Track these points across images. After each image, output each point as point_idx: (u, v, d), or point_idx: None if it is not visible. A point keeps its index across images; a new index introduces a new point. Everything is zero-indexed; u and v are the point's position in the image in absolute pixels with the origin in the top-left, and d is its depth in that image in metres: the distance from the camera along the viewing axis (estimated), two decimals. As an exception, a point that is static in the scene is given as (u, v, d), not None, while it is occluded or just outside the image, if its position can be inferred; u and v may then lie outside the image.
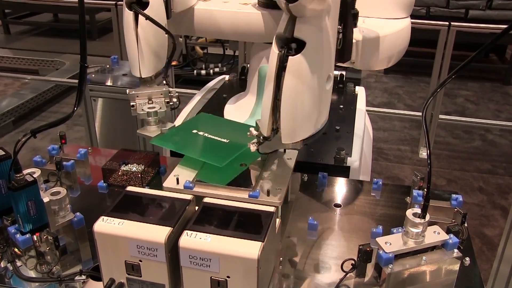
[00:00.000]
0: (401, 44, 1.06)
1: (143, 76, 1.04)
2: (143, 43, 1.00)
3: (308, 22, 0.73)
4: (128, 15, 1.00)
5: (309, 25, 0.73)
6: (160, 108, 1.02)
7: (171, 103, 1.07)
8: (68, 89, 3.58)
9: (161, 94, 1.06)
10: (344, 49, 0.84)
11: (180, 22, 1.15)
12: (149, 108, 1.02)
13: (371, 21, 1.05)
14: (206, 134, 0.95)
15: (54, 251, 0.78)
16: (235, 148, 0.91)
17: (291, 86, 0.77)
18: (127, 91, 1.05)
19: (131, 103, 1.04)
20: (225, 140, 0.94)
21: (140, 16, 0.97)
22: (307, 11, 0.71)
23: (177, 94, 1.08)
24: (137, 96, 1.04)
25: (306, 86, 0.77)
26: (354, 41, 0.88)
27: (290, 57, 0.74)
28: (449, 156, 2.81)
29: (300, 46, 0.74)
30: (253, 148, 0.85)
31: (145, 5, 0.98)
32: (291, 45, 0.74)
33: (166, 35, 1.03)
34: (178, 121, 1.35)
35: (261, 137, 0.84)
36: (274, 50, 0.76)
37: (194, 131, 0.97)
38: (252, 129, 0.87)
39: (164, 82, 1.07)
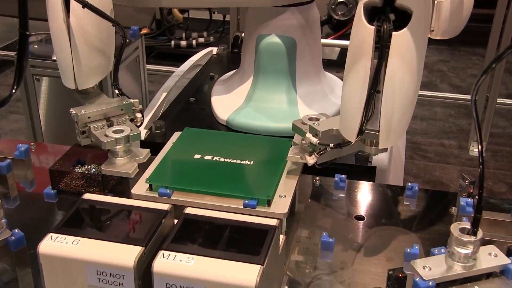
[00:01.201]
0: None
1: (81, 88, 0.96)
2: (79, 40, 0.91)
3: None
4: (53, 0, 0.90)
5: None
6: (131, 130, 0.93)
7: (134, 121, 0.99)
8: None
9: (122, 109, 0.97)
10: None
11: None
12: (115, 132, 0.92)
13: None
14: (217, 158, 0.94)
15: (-18, 282, 0.78)
16: (269, 170, 0.92)
17: (397, 71, 0.77)
18: (71, 110, 0.95)
19: (81, 129, 0.95)
20: (247, 162, 0.93)
21: (73, 1, 0.88)
22: None
23: (140, 107, 1.00)
24: (89, 117, 0.95)
25: (411, 69, 0.77)
26: (435, 2, 0.89)
27: (394, 33, 0.74)
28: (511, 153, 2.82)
29: (399, 17, 0.74)
30: (311, 161, 0.88)
31: None
32: (390, 16, 0.74)
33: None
34: (149, 112, 1.35)
35: (331, 145, 0.86)
36: (364, 24, 0.76)
37: (197, 155, 0.95)
38: (309, 135, 0.88)
39: (117, 91, 0.99)
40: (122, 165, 0.93)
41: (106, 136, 0.92)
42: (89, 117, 0.95)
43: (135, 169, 0.94)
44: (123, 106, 0.98)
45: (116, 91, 0.99)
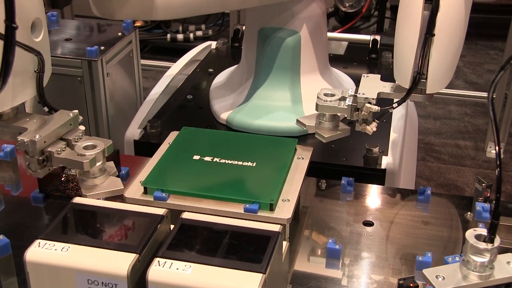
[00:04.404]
0: None
1: None
2: None
3: None
4: None
5: None
6: (102, 142, 0.88)
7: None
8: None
9: (70, 124, 0.92)
10: None
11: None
12: (86, 148, 0.87)
13: None
14: (217, 160, 0.94)
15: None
16: (273, 172, 0.92)
17: (452, 12, 0.88)
18: (19, 139, 0.86)
19: (39, 157, 0.87)
20: (249, 164, 0.94)
21: None
22: None
23: (81, 118, 0.94)
24: (45, 141, 0.87)
25: (460, 13, 0.88)
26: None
27: None
28: (532, 155, 2.81)
29: None
30: (373, 128, 0.97)
31: None
32: None
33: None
34: (144, 110, 1.35)
35: (393, 106, 0.96)
36: None
37: (195, 156, 0.96)
38: (369, 105, 0.95)
39: (46, 108, 0.93)
40: (108, 184, 0.88)
41: (80, 155, 0.86)
42: (45, 141, 0.87)
43: (121, 183, 0.89)
44: (71, 120, 0.92)
45: (46, 108, 0.93)
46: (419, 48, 0.92)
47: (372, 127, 0.97)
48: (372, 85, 1.00)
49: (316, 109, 1.00)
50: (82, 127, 0.94)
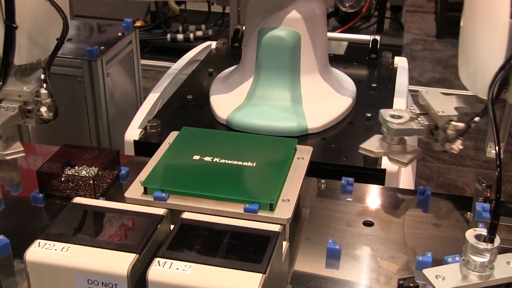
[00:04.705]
0: None
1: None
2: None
3: None
4: None
5: None
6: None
7: (39, 114, 0.93)
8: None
9: (19, 95, 0.92)
10: None
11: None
12: None
13: None
14: (217, 160, 0.94)
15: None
16: (273, 172, 0.92)
17: None
18: None
19: None
20: (249, 164, 0.93)
21: None
22: None
23: (50, 100, 0.95)
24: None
25: None
26: None
27: None
28: (531, 155, 2.81)
29: None
30: (459, 145, 0.92)
31: None
32: None
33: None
34: (144, 110, 1.36)
35: (472, 120, 0.91)
36: None
37: (196, 157, 0.95)
38: (454, 123, 0.91)
39: (42, 76, 0.95)
40: None
41: None
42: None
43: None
44: (20, 92, 0.92)
45: (42, 76, 0.94)
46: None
47: (458, 145, 0.93)
48: (443, 101, 0.95)
49: (390, 133, 0.95)
50: (43, 109, 0.94)
